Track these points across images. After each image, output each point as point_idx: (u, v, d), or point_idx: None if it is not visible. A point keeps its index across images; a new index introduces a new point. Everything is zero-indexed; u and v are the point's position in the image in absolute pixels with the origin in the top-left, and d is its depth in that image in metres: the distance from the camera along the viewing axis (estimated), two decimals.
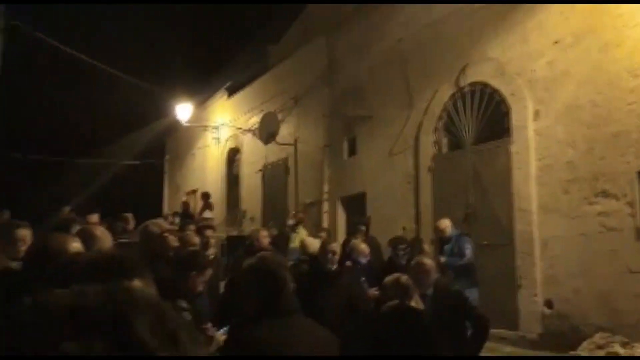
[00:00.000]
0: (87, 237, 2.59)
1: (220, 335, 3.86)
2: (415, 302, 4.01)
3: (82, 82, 17.10)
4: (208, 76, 18.12)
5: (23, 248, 3.23)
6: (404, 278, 4.08)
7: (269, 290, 2.50)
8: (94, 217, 4.97)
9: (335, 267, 5.38)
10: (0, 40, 10.99)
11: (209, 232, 6.59)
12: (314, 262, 5.33)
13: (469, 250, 7.23)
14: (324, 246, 5.53)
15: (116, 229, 8.82)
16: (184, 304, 3.55)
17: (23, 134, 18.90)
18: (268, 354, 2.32)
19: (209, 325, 3.79)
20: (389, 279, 4.17)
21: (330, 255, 5.28)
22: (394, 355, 3.62)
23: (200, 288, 3.83)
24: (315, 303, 4.17)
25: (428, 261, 4.72)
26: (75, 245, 2.40)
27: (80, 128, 21.46)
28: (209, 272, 3.95)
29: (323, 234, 8.42)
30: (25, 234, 4.11)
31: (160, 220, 6.48)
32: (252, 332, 2.39)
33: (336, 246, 5.47)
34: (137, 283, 1.29)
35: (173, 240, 5.03)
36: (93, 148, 20.29)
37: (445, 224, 7.60)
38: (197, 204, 16.10)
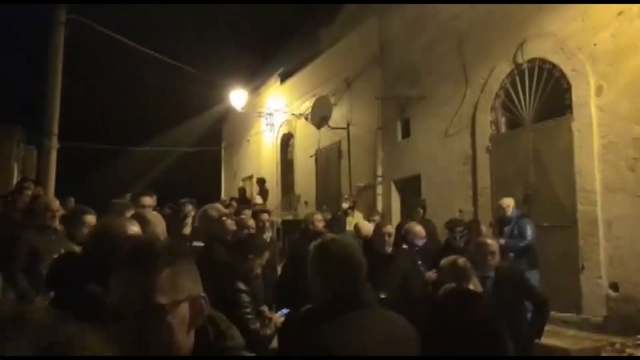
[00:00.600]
0: (141, 221, 2.65)
1: (278, 317, 3.92)
2: (474, 285, 3.95)
3: (140, 71, 17.51)
4: (261, 63, 18.27)
5: None
6: (462, 260, 4.02)
7: (346, 278, 2.14)
8: (147, 200, 5.11)
9: (390, 249, 5.36)
10: (61, 33, 11.39)
11: (264, 216, 6.68)
12: (368, 245, 5.31)
13: (530, 232, 7.10)
14: (378, 229, 5.51)
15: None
16: (242, 285, 3.62)
17: (85, 124, 19.58)
18: (353, 354, 1.95)
19: (265, 307, 3.85)
20: (445, 261, 4.12)
21: (385, 237, 5.25)
22: (453, 338, 3.58)
23: (257, 271, 3.89)
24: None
25: (491, 242, 4.63)
26: (134, 228, 2.45)
27: (139, 117, 22.06)
28: (266, 255, 4.01)
29: (377, 217, 8.37)
30: (90, 219, 4.29)
31: (218, 205, 6.62)
32: (332, 328, 2.01)
33: (391, 228, 5.43)
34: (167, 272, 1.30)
35: (230, 224, 5.12)
36: (152, 136, 20.85)
37: (508, 202, 7.49)
38: (253, 190, 16.34)
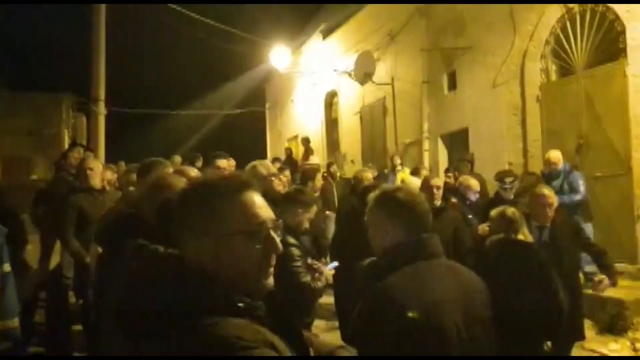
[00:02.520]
0: (186, 178, 2.71)
1: (329, 270, 3.99)
2: (523, 235, 3.91)
3: (182, 34, 17.63)
4: (303, 20, 18.04)
5: None
6: (510, 210, 3.98)
7: (414, 226, 2.03)
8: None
9: (439, 203, 5.33)
10: None
11: (318, 176, 6.69)
12: None
13: (582, 187, 6.85)
14: (426, 182, 5.48)
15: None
16: (292, 239, 3.68)
17: (131, 90, 19.94)
18: (426, 305, 1.86)
19: (315, 262, 3.92)
20: (494, 212, 4.09)
21: (434, 190, 5.22)
22: (501, 288, 3.57)
23: (306, 225, 3.95)
24: None
25: (549, 192, 4.54)
26: (182, 185, 2.51)
27: (182, 81, 22.33)
28: (314, 209, 4.05)
29: (424, 172, 8.31)
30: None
31: (268, 162, 6.69)
32: (401, 279, 1.93)
33: (439, 181, 5.39)
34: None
35: (277, 184, 5.17)
36: (195, 99, 21.06)
37: (558, 156, 7.17)
38: (299, 150, 16.41)
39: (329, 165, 11.46)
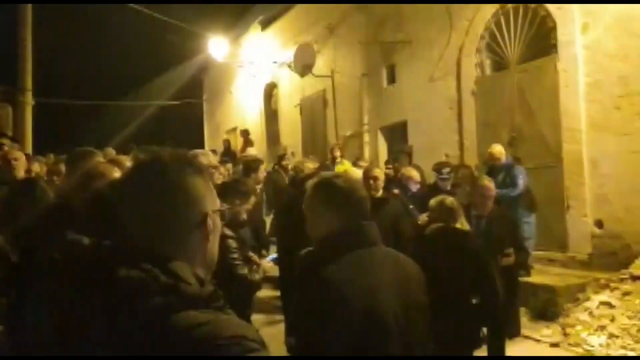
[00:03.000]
0: (119, 167, 2.58)
1: (267, 262, 3.91)
2: (461, 224, 3.97)
3: (115, 23, 17.05)
4: (241, 10, 17.76)
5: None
6: (449, 200, 4.04)
7: (352, 213, 1.97)
8: (110, 150, 5.08)
9: (379, 194, 5.33)
10: None
11: (261, 167, 6.52)
12: None
13: (522, 181, 7.02)
14: (366, 173, 5.47)
15: None
16: (228, 231, 3.57)
17: (61, 81, 19.13)
18: (363, 293, 1.83)
19: (252, 254, 3.83)
20: (434, 201, 4.14)
21: (372, 182, 5.21)
22: (438, 274, 3.60)
23: (244, 216, 3.85)
24: None
25: (490, 185, 4.64)
26: (116, 174, 2.39)
27: (116, 71, 21.57)
28: (252, 200, 3.96)
29: (362, 163, 8.34)
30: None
31: (210, 153, 6.50)
32: (340, 267, 1.87)
33: (377, 172, 5.39)
34: None
35: (217, 178, 5.05)
36: (130, 90, 20.41)
37: (501, 151, 7.31)
38: (237, 142, 16.19)
39: (280, 158, 11.35)
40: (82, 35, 20.93)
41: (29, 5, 10.94)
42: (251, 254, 3.83)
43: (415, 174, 6.31)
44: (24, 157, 5.24)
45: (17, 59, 11.00)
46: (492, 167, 7.30)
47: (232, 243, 3.58)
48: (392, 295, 1.89)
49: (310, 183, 2.11)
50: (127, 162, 2.86)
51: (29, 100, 11.08)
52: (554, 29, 7.80)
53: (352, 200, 2.00)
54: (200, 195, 1.23)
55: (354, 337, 1.79)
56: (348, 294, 1.81)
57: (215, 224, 1.26)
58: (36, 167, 6.09)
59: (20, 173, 4.94)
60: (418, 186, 6.30)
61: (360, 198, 2.02)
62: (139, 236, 1.17)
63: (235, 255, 3.58)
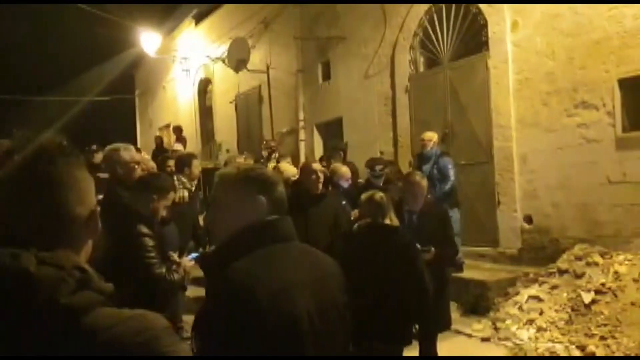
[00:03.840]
0: None
1: (187, 261, 3.69)
2: (390, 220, 3.88)
3: (41, 14, 16.21)
4: (174, 3, 17.24)
5: None
6: (378, 195, 3.93)
7: (270, 209, 1.79)
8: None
9: (319, 189, 5.17)
10: None
11: (195, 162, 6.19)
12: (297, 186, 5.09)
13: (452, 172, 7.01)
14: (309, 168, 5.27)
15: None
16: (144, 229, 3.33)
17: None
18: (277, 290, 1.66)
19: (171, 253, 3.60)
20: (363, 197, 4.05)
21: (314, 176, 5.03)
22: (371, 272, 3.49)
23: (162, 213, 3.60)
24: (300, 227, 3.97)
25: (422, 180, 4.56)
26: None
27: (43, 65, 20.54)
28: (171, 196, 3.71)
29: (288, 160, 8.23)
30: None
31: (132, 148, 6.15)
32: (249, 264, 1.68)
33: (319, 167, 5.23)
34: None
35: (139, 174, 4.75)
36: (58, 85, 19.46)
37: (430, 136, 7.30)
38: (170, 139, 15.70)
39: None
40: (3, 26, 19.81)
41: None
42: (171, 253, 3.60)
43: (344, 170, 6.20)
44: None
45: None
46: (421, 155, 7.30)
47: (148, 241, 3.33)
48: (306, 294, 1.71)
49: (217, 174, 1.88)
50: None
51: None
52: (485, 26, 7.89)
53: (269, 192, 1.81)
54: (86, 189, 1.18)
55: (262, 339, 1.62)
56: (258, 293, 1.63)
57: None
58: None
59: None
60: (349, 182, 6.19)
61: (278, 191, 1.84)
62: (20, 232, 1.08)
63: (152, 254, 3.33)
